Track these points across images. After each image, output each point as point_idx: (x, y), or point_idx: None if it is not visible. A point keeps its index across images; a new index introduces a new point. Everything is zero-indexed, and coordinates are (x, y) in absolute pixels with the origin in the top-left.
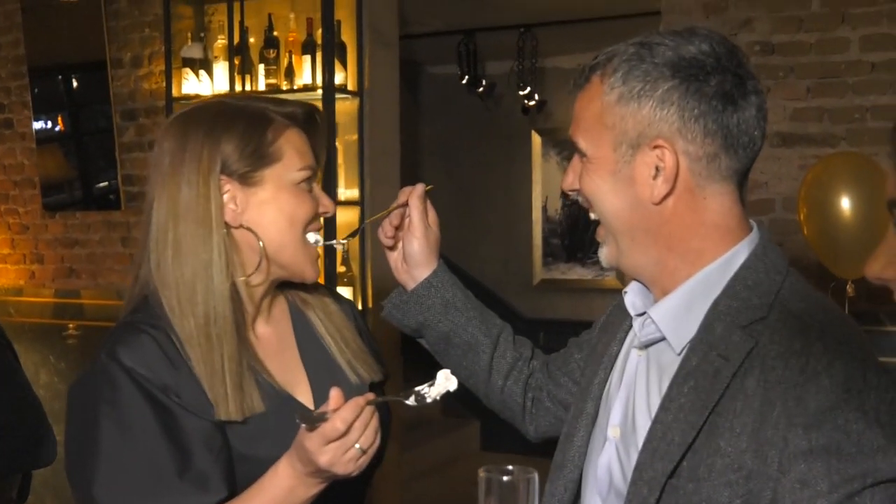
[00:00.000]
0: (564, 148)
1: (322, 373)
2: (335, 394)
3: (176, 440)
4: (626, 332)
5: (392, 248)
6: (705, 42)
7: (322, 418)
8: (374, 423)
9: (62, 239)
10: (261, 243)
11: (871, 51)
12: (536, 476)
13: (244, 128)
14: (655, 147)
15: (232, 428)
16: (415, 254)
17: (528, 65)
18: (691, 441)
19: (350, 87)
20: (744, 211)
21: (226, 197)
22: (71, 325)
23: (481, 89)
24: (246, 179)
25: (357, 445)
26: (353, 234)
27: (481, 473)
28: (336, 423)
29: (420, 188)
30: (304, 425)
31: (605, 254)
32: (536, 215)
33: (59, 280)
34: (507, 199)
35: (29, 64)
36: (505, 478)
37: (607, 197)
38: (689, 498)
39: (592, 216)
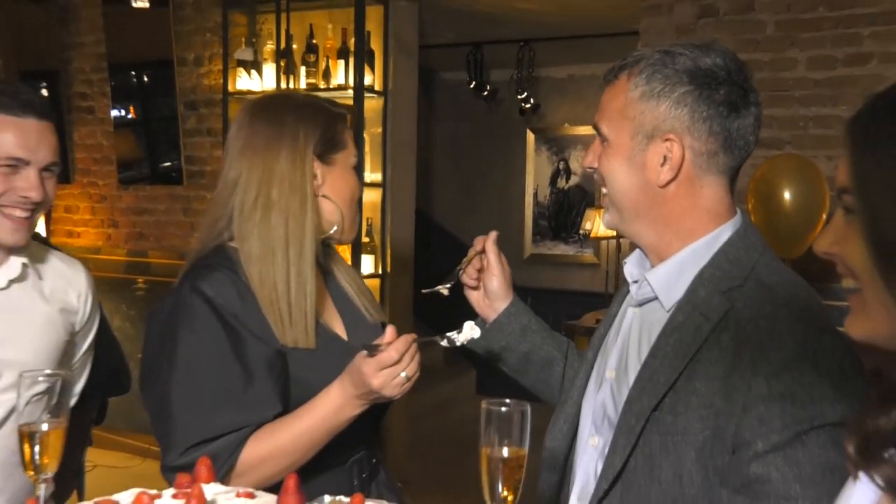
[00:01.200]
0: (554, 144)
1: (348, 314)
2: (391, 329)
3: (243, 361)
4: (625, 296)
5: (475, 288)
6: (720, 56)
7: (380, 348)
8: (418, 357)
9: (133, 208)
10: (338, 209)
11: (815, 69)
12: (529, 408)
13: (326, 119)
14: (666, 140)
15: (290, 355)
16: (494, 290)
17: (526, 73)
18: (673, 382)
19: (377, 88)
20: (732, 200)
21: (313, 175)
22: (140, 280)
23: (486, 93)
24: (325, 159)
25: (403, 373)
26: (450, 282)
27: (483, 405)
28: (391, 352)
29: (493, 236)
30: (364, 352)
31: (607, 219)
32: (528, 200)
33: (131, 242)
34: (504, 186)
35: (108, 60)
36: (503, 409)
37: (621, 177)
38: (667, 427)
39: (603, 191)
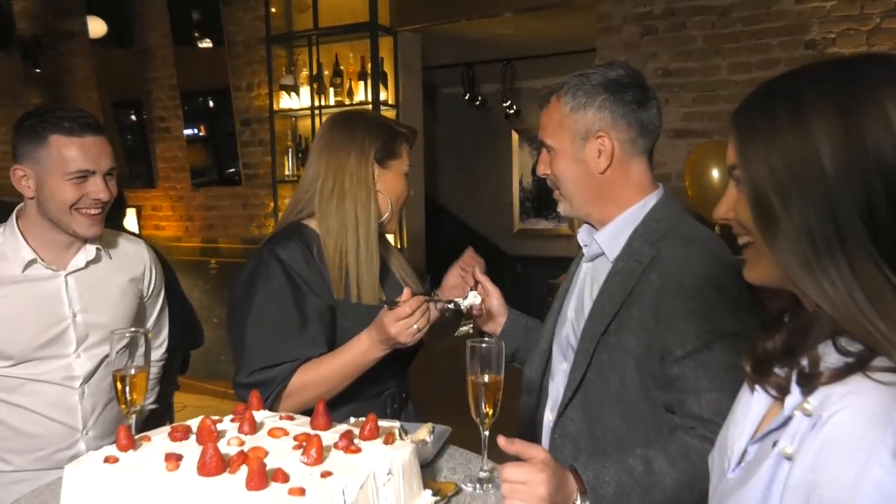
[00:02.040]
0: (534, 142)
1: (388, 281)
2: (407, 290)
3: (301, 310)
4: (580, 259)
5: (480, 316)
6: (622, 69)
7: (397, 303)
8: (428, 314)
9: (204, 205)
10: (390, 201)
11: (735, 73)
12: (503, 344)
13: (387, 133)
14: (598, 137)
15: (339, 308)
16: (496, 307)
17: (509, 86)
18: (616, 312)
19: (390, 102)
20: (652, 175)
21: (373, 174)
22: (212, 261)
23: (477, 103)
24: (382, 164)
25: (415, 325)
26: (470, 324)
27: (468, 343)
28: (405, 307)
29: (479, 268)
30: (386, 306)
31: (562, 208)
32: (515, 186)
33: (203, 232)
34: (496, 176)
35: (180, 90)
36: (483, 345)
37: (570, 174)
38: (613, 346)
39: (556, 194)
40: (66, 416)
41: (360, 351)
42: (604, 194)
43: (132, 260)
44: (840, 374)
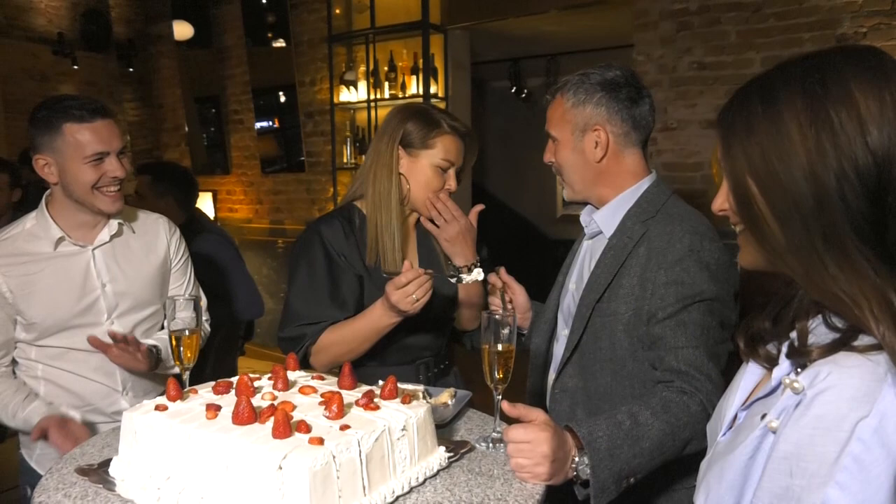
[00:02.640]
0: None
1: (427, 259)
2: (406, 263)
3: (334, 279)
4: (582, 239)
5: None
6: (618, 70)
7: (397, 273)
8: (427, 285)
9: (272, 190)
10: (408, 186)
11: (768, 67)
12: (516, 315)
13: (421, 123)
14: (595, 130)
15: (372, 278)
16: (522, 303)
17: (553, 80)
18: (609, 281)
19: (440, 95)
20: (646, 163)
21: (398, 157)
22: (279, 241)
23: (523, 96)
24: (408, 151)
25: (413, 295)
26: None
27: (483, 314)
28: (401, 278)
29: (502, 270)
30: (386, 275)
31: (566, 193)
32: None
33: (271, 214)
34: (540, 164)
35: (252, 86)
36: (497, 316)
37: (570, 162)
38: (605, 311)
39: (559, 180)
40: (107, 379)
41: (375, 316)
42: (600, 180)
43: (152, 232)
44: (827, 351)
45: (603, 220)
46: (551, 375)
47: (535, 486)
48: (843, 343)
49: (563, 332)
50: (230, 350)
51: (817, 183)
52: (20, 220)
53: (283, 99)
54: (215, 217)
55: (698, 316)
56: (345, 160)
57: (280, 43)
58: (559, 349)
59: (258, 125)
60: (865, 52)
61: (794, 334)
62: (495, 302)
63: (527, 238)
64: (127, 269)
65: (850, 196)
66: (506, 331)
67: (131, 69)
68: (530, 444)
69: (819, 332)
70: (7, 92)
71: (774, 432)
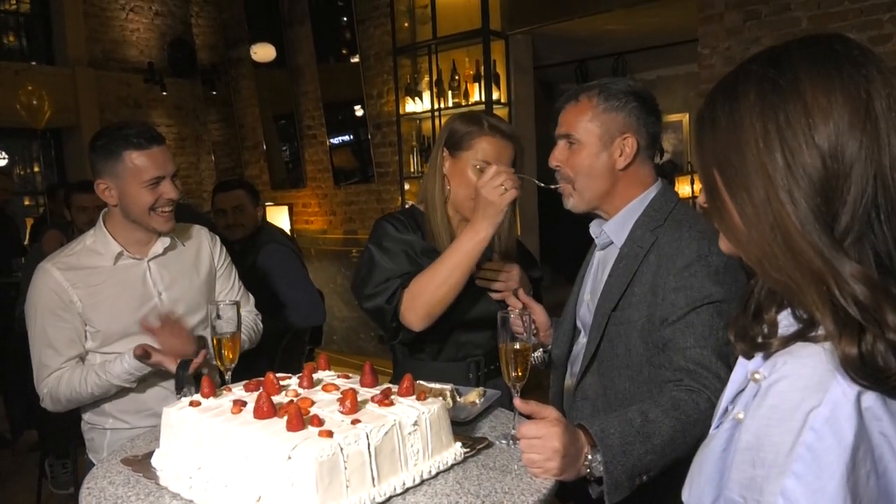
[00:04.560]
0: None
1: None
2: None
3: (410, 245)
4: (594, 249)
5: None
6: (641, 85)
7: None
8: (514, 178)
9: (345, 200)
10: (448, 187)
11: None
12: (531, 314)
13: (464, 127)
14: (624, 137)
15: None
16: (543, 321)
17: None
18: (623, 290)
19: (502, 101)
20: (654, 172)
21: (443, 159)
22: (353, 251)
23: None
24: (451, 153)
25: (503, 185)
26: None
27: (499, 314)
28: (489, 171)
29: (521, 293)
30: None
31: (571, 203)
32: None
33: (345, 224)
34: None
35: (323, 101)
36: (512, 315)
37: (588, 167)
38: (620, 319)
39: (565, 188)
40: (165, 383)
41: (465, 239)
42: (614, 189)
43: (197, 243)
44: (787, 341)
45: (613, 231)
46: (569, 381)
47: (542, 482)
48: (801, 334)
49: (581, 341)
50: (295, 354)
51: (765, 175)
52: (79, 238)
53: (352, 112)
54: (291, 229)
55: (706, 317)
56: (412, 169)
57: (349, 58)
58: (576, 353)
59: (330, 140)
60: (823, 43)
61: (765, 326)
62: (513, 302)
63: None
64: (179, 277)
65: (794, 189)
66: (522, 329)
67: (214, 92)
68: (541, 439)
69: (785, 324)
70: (105, 119)
71: (741, 424)
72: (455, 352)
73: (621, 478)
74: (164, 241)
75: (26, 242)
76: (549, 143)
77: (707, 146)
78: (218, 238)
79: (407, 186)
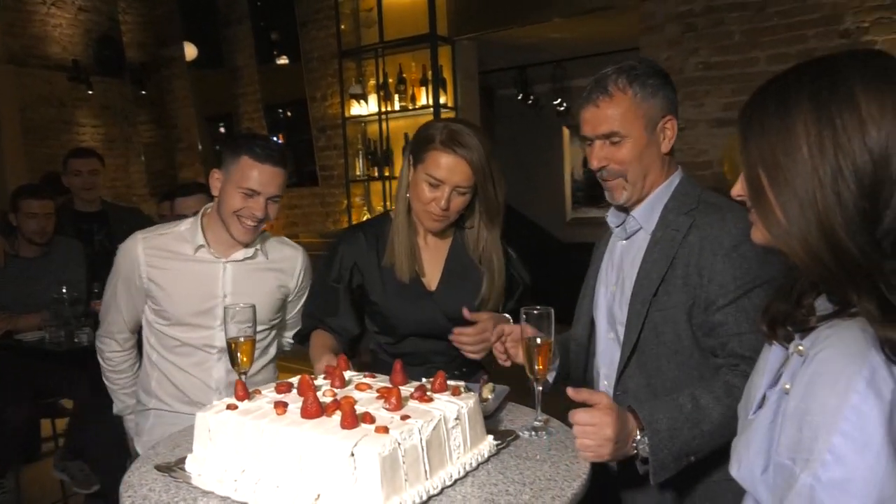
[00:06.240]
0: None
1: (452, 276)
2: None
3: (326, 282)
4: (607, 241)
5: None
6: (650, 61)
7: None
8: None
9: (287, 204)
10: (407, 195)
11: (774, 64)
12: (553, 311)
13: (423, 140)
14: (668, 121)
15: (385, 285)
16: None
17: (560, 85)
18: (663, 274)
19: (450, 105)
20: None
21: (410, 169)
22: None
23: (530, 102)
24: (413, 165)
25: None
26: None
27: (522, 310)
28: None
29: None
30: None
31: (625, 197)
32: (567, 178)
33: (287, 228)
34: (549, 169)
35: (263, 103)
36: (535, 312)
37: (644, 159)
38: (664, 304)
39: (615, 183)
40: (204, 376)
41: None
42: (661, 174)
43: (287, 264)
44: (826, 318)
45: (642, 216)
46: (603, 380)
47: (580, 467)
48: (840, 312)
49: (607, 336)
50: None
51: (815, 177)
52: (177, 221)
53: (295, 115)
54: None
55: (758, 301)
56: (357, 173)
57: (290, 60)
58: (604, 352)
59: None
60: (873, 57)
61: (803, 311)
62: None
63: (538, 243)
64: (251, 288)
65: (843, 191)
66: (544, 325)
67: (144, 92)
68: (595, 427)
69: (822, 308)
70: (26, 119)
71: (787, 393)
72: (412, 357)
73: (667, 460)
74: (248, 252)
75: None
76: (493, 145)
77: (754, 146)
78: (311, 267)
79: (353, 190)
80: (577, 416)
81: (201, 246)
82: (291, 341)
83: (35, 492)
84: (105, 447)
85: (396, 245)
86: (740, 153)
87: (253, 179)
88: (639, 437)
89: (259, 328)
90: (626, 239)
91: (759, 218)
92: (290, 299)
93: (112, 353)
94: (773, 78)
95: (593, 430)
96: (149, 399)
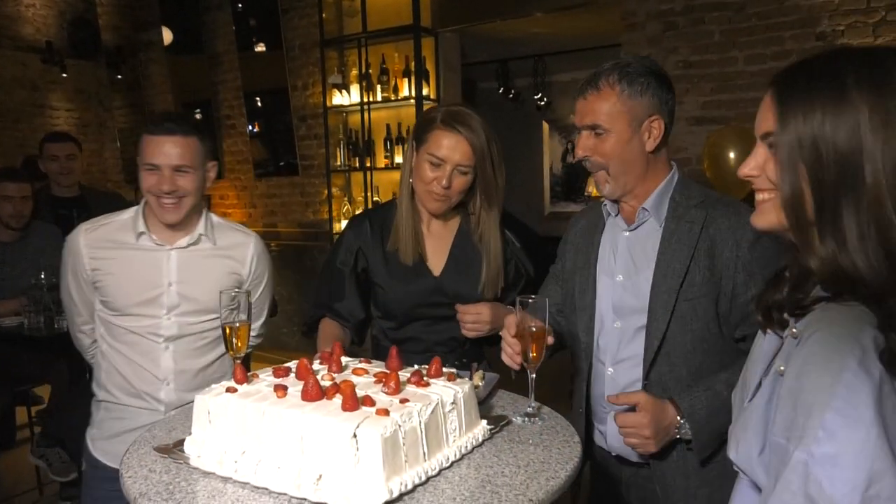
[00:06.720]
0: (563, 131)
1: (457, 262)
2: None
3: (333, 269)
4: (603, 229)
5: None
6: (649, 61)
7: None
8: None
9: (265, 193)
10: (411, 180)
11: (750, 64)
12: (548, 301)
13: (426, 124)
14: (653, 120)
15: (390, 265)
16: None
17: (540, 80)
18: (688, 265)
19: (432, 97)
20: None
21: (413, 150)
22: (273, 244)
23: (511, 96)
24: (416, 146)
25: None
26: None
27: (517, 299)
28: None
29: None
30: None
31: (608, 190)
32: (546, 173)
33: (265, 218)
34: (529, 163)
35: (243, 90)
36: (530, 300)
37: (624, 155)
38: (692, 294)
39: (599, 175)
40: (152, 366)
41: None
42: (647, 173)
43: (238, 251)
44: (819, 301)
45: (653, 207)
46: (608, 371)
47: (572, 450)
48: (833, 297)
49: (614, 325)
50: None
51: (870, 162)
52: (124, 210)
53: (275, 103)
54: None
55: None
56: (338, 163)
57: (271, 48)
58: (608, 342)
59: (250, 129)
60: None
61: (800, 296)
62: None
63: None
64: (198, 275)
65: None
66: (539, 313)
67: (120, 76)
68: (635, 429)
69: (816, 294)
70: None
71: (782, 375)
72: (415, 345)
73: (708, 440)
74: (192, 237)
75: None
76: None
77: (803, 130)
78: (266, 254)
79: (334, 180)
80: (620, 419)
81: (142, 233)
82: (255, 333)
83: (10, 479)
84: (83, 435)
85: (401, 229)
86: (779, 135)
87: (150, 154)
88: (681, 421)
89: (212, 317)
90: (631, 231)
91: (777, 201)
92: (245, 287)
93: (91, 349)
94: (815, 61)
95: (634, 432)
96: (98, 390)
